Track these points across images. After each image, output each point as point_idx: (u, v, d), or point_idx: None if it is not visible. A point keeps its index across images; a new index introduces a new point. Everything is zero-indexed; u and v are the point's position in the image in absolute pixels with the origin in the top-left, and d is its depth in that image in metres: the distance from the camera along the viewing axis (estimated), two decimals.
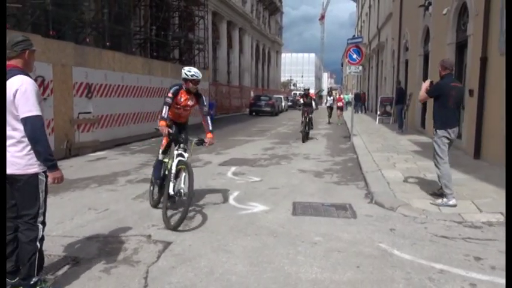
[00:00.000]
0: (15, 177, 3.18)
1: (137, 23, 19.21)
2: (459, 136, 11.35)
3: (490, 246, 4.51)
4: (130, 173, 8.78)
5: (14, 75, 3.13)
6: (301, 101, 16.22)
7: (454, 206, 5.79)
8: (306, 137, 14.77)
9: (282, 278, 3.77)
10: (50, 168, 3.24)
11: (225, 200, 6.56)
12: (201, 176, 8.48)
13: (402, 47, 20.67)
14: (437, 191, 6.35)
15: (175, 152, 5.42)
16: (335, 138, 15.80)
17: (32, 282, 3.28)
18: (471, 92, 10.09)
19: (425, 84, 6.32)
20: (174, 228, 4.91)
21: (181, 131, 5.91)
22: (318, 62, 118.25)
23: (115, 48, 14.76)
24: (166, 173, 5.60)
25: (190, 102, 5.82)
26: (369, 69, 38.40)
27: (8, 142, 3.14)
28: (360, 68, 15.18)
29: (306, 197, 6.72)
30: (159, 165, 5.91)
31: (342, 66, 71.84)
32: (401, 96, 17.45)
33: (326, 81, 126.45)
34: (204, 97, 6.03)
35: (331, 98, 26.14)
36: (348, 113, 22.85)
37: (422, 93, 6.29)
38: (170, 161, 5.53)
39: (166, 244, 4.56)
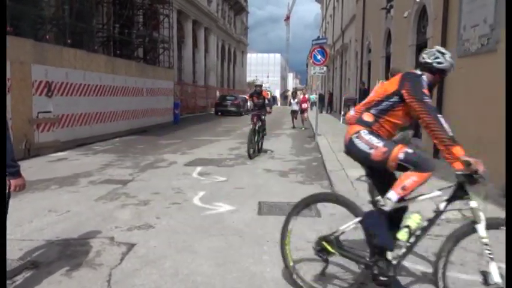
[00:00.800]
0: None
1: (100, 21, 18.77)
2: (419, 136, 11.72)
3: None
4: (93, 173, 8.59)
5: None
6: (249, 103, 12.92)
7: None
8: (255, 150, 11.04)
9: (247, 277, 3.78)
10: (13, 175, 3.04)
11: (190, 200, 6.52)
12: (166, 176, 8.41)
13: (365, 49, 21.11)
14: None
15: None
16: (300, 138, 15.96)
17: None
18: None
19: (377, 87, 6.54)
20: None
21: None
22: (283, 63, 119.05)
23: (77, 46, 14.38)
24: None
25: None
26: (333, 70, 39.01)
27: None
28: (324, 68, 15.41)
29: (272, 197, 6.76)
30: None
31: (307, 67, 72.55)
32: (365, 97, 17.79)
33: (291, 82, 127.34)
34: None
35: (296, 100, 22.01)
36: (312, 113, 23.11)
37: None
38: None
39: (130, 246, 4.48)
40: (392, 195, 3.08)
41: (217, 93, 40.10)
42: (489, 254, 2.77)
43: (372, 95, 3.49)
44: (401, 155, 3.04)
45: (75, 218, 5.52)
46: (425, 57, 3.27)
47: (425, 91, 3.07)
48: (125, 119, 16.87)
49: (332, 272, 3.66)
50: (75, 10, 15.42)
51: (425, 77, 3.17)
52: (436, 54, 3.23)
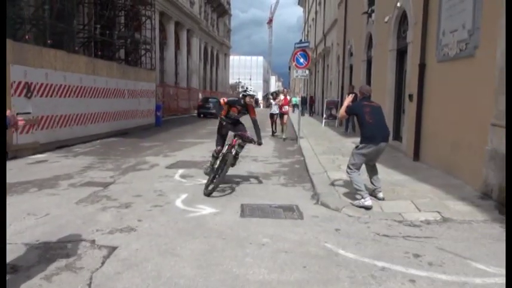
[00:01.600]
0: None
1: (81, 21, 18.54)
2: (399, 139, 11.90)
3: (428, 243, 4.74)
4: (73, 176, 8.47)
5: None
6: (223, 120, 7.87)
7: (370, 207, 6.02)
8: (213, 189, 6.94)
9: (230, 280, 3.78)
10: None
11: (173, 202, 6.48)
12: (148, 178, 8.34)
13: (347, 53, 21.32)
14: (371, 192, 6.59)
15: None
16: (282, 141, 16.01)
17: None
18: (411, 97, 10.59)
19: (348, 99, 6.67)
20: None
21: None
22: (266, 65, 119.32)
23: (57, 47, 14.16)
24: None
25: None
26: (315, 73, 39.32)
27: None
28: (307, 71, 15.50)
29: (254, 199, 6.77)
30: None
31: (290, 69, 73.01)
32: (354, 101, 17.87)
33: (274, 85, 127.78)
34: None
35: (275, 102, 18.02)
36: (295, 116, 23.16)
37: (342, 111, 6.69)
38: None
39: (112, 249, 4.44)
40: None
41: (200, 96, 40.01)
42: None
43: None
44: None
45: (55, 221, 5.44)
46: None
47: None
48: (106, 121, 16.67)
49: None
50: (56, 10, 15.21)
51: None
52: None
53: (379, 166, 6.92)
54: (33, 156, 10.93)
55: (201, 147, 13.62)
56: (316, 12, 39.36)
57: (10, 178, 7.88)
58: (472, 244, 4.69)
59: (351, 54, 20.39)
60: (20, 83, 11.40)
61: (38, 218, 5.56)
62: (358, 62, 17.99)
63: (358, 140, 6.66)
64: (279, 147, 14.12)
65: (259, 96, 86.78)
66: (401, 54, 12.30)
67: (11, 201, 6.36)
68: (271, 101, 18.98)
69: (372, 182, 6.69)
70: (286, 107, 17.17)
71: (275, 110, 17.68)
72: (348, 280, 3.80)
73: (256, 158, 11.40)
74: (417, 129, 10.00)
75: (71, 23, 16.40)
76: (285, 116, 17.01)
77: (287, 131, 17.23)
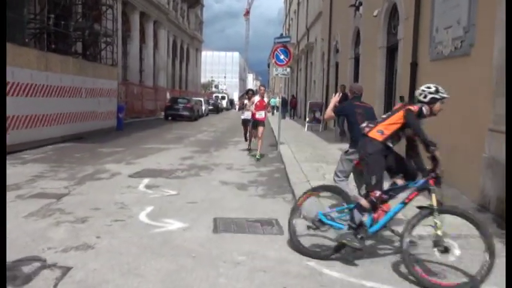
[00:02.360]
0: None
1: (32, 10, 18.29)
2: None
3: None
4: (22, 186, 8.31)
5: None
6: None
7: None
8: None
9: None
10: None
11: (136, 216, 6.43)
12: (108, 189, 8.26)
13: (332, 49, 21.58)
14: None
15: None
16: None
17: None
18: (402, 99, 10.76)
19: (335, 99, 6.70)
20: None
21: None
22: (242, 62, 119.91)
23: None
24: None
25: None
26: (297, 71, 39.59)
27: None
28: (288, 69, 15.61)
29: (229, 213, 6.77)
30: None
31: (269, 67, 73.29)
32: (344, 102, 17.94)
33: (251, 83, 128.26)
34: None
35: (247, 107, 14.38)
36: (274, 119, 23.25)
37: (329, 110, 6.70)
38: None
39: (66, 270, 4.37)
40: None
41: (168, 95, 39.81)
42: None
43: None
44: None
45: None
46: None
47: None
48: (60, 124, 16.42)
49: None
50: None
51: None
52: None
53: None
54: None
55: (169, 153, 13.55)
56: (298, 4, 39.74)
57: None
58: (469, 262, 4.78)
59: (337, 51, 20.64)
60: None
61: None
62: (345, 59, 18.22)
63: (343, 146, 6.73)
64: None
65: (235, 96, 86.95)
66: (391, 52, 12.51)
67: None
68: (246, 101, 14.90)
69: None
70: (262, 112, 13.48)
71: (248, 115, 14.23)
72: None
73: (231, 166, 11.41)
74: None
75: (20, 12, 16.15)
76: (260, 128, 13.35)
77: (262, 147, 13.67)
